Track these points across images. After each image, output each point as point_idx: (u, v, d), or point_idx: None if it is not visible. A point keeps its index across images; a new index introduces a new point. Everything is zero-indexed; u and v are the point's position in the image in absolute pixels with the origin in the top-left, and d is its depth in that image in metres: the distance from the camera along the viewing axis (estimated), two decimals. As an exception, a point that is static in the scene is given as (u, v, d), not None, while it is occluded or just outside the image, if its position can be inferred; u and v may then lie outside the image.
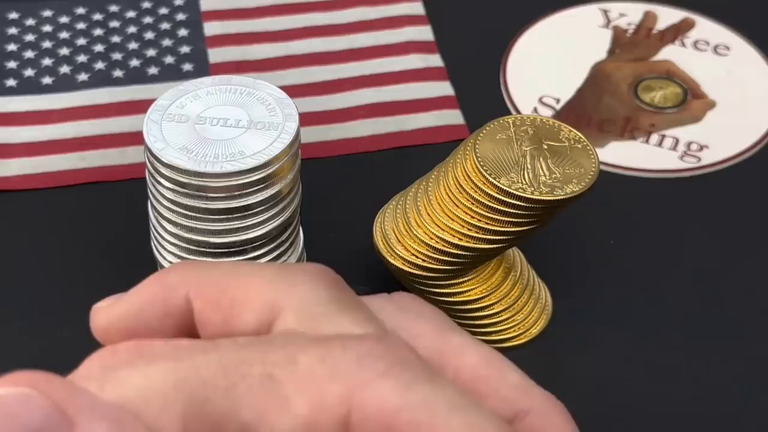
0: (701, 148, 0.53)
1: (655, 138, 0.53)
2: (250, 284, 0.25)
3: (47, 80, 0.55)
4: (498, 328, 0.44)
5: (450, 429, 0.22)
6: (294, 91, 0.49)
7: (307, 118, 0.53)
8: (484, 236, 0.41)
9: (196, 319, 0.26)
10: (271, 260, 0.42)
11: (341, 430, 0.22)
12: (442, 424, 0.22)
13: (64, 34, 0.58)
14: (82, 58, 0.56)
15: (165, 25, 0.58)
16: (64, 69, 0.56)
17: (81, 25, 0.58)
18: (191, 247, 0.41)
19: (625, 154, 0.52)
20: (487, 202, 0.40)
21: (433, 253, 0.42)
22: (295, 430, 0.22)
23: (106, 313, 0.27)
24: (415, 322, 0.26)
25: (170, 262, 0.42)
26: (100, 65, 0.56)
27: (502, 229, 0.40)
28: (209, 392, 0.22)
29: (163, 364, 0.23)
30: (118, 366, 0.23)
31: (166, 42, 0.57)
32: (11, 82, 0.55)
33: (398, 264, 0.43)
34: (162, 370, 0.23)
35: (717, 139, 0.53)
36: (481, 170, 0.40)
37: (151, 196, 0.41)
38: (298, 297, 0.24)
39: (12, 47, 0.57)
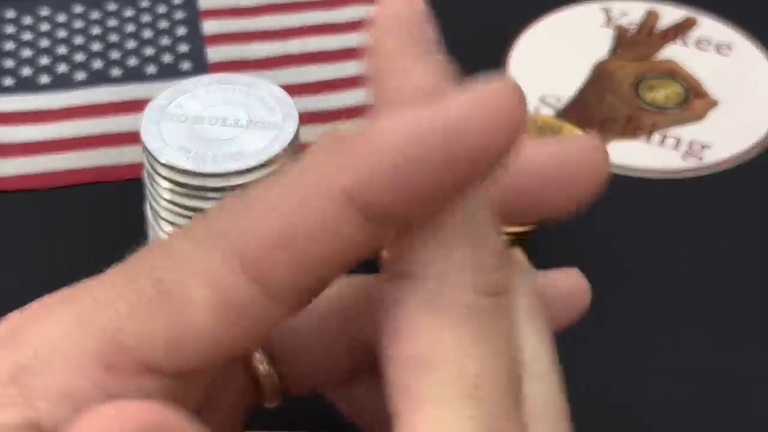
0: (703, 147, 0.53)
1: (656, 137, 0.53)
2: None
3: (45, 79, 0.55)
4: (499, 329, 0.44)
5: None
6: (293, 90, 0.49)
7: (306, 118, 0.53)
8: (485, 237, 0.40)
9: None
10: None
11: (254, 286, 0.22)
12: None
13: (61, 33, 0.57)
14: (79, 56, 0.56)
15: (163, 24, 0.58)
16: (62, 68, 0.55)
17: (79, 24, 0.58)
18: (190, 247, 0.41)
19: (627, 154, 0.52)
20: (489, 203, 0.40)
21: (434, 253, 0.41)
22: (213, 315, 0.22)
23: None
24: None
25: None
26: (98, 64, 0.56)
27: (502, 229, 0.40)
28: (115, 321, 0.22)
29: (64, 309, 0.23)
30: (25, 323, 0.24)
31: (165, 41, 0.57)
32: (8, 81, 0.55)
33: (398, 264, 0.42)
34: (64, 316, 0.23)
35: (719, 139, 0.53)
36: (483, 170, 0.40)
37: (149, 195, 0.41)
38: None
39: (9, 46, 0.57)
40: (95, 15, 0.59)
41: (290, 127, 0.40)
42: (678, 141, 0.53)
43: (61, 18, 0.58)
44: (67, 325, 0.23)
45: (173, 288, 0.22)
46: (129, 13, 0.59)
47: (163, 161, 0.39)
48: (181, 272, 0.22)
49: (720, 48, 0.58)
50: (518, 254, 0.45)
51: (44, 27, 0.58)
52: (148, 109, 0.40)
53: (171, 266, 0.22)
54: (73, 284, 0.46)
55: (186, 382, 0.23)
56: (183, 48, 0.57)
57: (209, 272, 0.22)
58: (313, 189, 0.22)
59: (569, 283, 0.29)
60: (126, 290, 0.23)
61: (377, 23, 0.24)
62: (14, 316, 0.25)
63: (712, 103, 0.55)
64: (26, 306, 0.25)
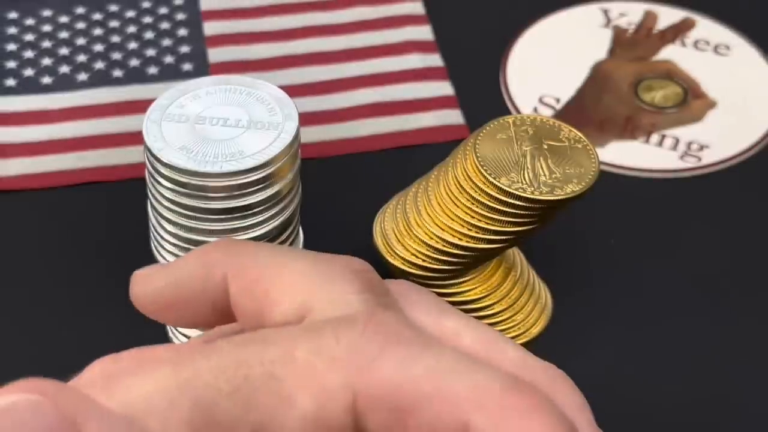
0: (702, 147, 0.53)
1: (655, 138, 0.53)
2: (284, 278, 0.25)
3: (47, 80, 0.55)
4: (498, 328, 0.44)
5: (456, 394, 0.22)
6: (294, 90, 0.50)
7: (306, 118, 0.53)
8: (484, 236, 0.41)
9: (231, 302, 0.26)
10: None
11: (350, 418, 0.23)
12: (447, 390, 0.22)
13: (63, 34, 0.58)
14: (81, 57, 0.56)
15: (165, 25, 0.58)
16: (64, 69, 0.56)
17: (81, 25, 0.58)
18: (191, 247, 0.41)
19: (626, 154, 0.52)
20: (487, 202, 0.40)
21: (433, 253, 0.42)
22: (305, 425, 0.23)
23: (145, 281, 0.28)
24: (410, 309, 0.26)
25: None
26: (99, 65, 0.56)
27: (502, 228, 0.40)
28: (214, 396, 0.23)
29: (166, 369, 0.23)
30: (121, 373, 0.23)
31: (166, 42, 0.57)
32: (11, 82, 0.55)
33: (398, 264, 0.43)
34: (165, 375, 0.23)
35: (717, 139, 0.53)
36: (482, 170, 0.40)
37: (150, 196, 0.41)
38: (329, 299, 0.25)
39: (12, 47, 0.57)
40: (97, 16, 0.59)
41: (290, 127, 0.40)
42: (676, 141, 0.53)
43: (63, 19, 0.58)
44: (167, 386, 0.23)
45: (282, 387, 0.23)
46: (131, 14, 0.59)
47: (164, 161, 0.39)
48: (297, 377, 0.23)
49: (718, 49, 0.58)
50: (517, 254, 0.46)
51: (46, 28, 0.58)
52: (150, 110, 0.41)
53: (288, 365, 0.23)
54: (72, 284, 0.46)
55: None
56: (184, 49, 0.57)
57: (324, 388, 0.23)
58: None
59: None
60: (234, 371, 0.23)
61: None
62: (107, 363, 0.25)
63: (711, 104, 0.55)
64: (121, 353, 0.25)
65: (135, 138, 0.52)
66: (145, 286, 0.27)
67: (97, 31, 0.58)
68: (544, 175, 0.40)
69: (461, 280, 0.43)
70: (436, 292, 0.43)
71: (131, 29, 0.58)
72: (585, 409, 0.27)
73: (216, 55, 0.57)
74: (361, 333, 0.23)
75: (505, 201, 0.39)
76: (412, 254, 0.42)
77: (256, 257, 0.26)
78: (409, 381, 0.22)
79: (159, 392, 0.23)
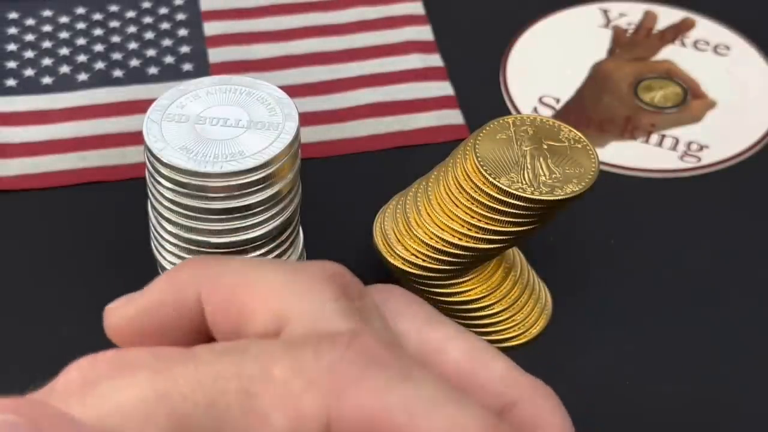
0: (701, 148, 0.53)
1: (655, 138, 0.53)
2: (258, 291, 0.25)
3: (47, 80, 0.55)
4: (498, 328, 0.44)
5: (431, 428, 0.22)
6: (294, 91, 0.49)
7: (306, 118, 0.53)
8: (484, 236, 0.41)
9: (208, 320, 0.26)
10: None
11: None
12: (423, 423, 0.22)
13: (64, 34, 0.58)
14: (82, 57, 0.56)
15: (165, 25, 0.58)
16: (64, 69, 0.56)
17: (81, 25, 0.58)
18: (191, 247, 0.41)
19: (625, 154, 0.52)
20: (487, 202, 0.40)
21: (433, 252, 0.42)
22: None
23: (119, 314, 0.27)
24: (394, 318, 0.26)
25: (170, 262, 0.42)
26: (100, 65, 0.56)
27: (502, 229, 0.40)
28: (190, 410, 0.22)
29: (143, 376, 0.23)
30: (98, 379, 0.23)
31: (166, 42, 0.57)
32: (11, 82, 0.55)
33: (398, 264, 0.43)
34: (142, 384, 0.23)
35: (717, 139, 0.53)
36: (481, 170, 0.40)
37: (150, 196, 0.41)
38: (305, 309, 0.24)
39: (12, 47, 0.57)
40: (97, 16, 0.59)
41: (291, 127, 0.40)
42: (676, 141, 0.53)
43: (64, 19, 0.58)
44: (144, 397, 0.23)
45: (257, 405, 0.22)
46: (131, 14, 0.59)
47: (164, 161, 0.39)
48: (273, 395, 0.22)
49: (718, 49, 0.58)
50: (517, 254, 0.46)
51: (46, 28, 0.58)
52: (150, 110, 0.41)
53: (265, 382, 0.23)
54: (72, 284, 0.46)
55: None
56: (185, 49, 0.57)
57: (299, 411, 0.22)
58: None
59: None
60: (211, 384, 0.23)
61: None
62: (85, 367, 0.24)
63: (710, 104, 0.55)
64: (98, 354, 0.24)
65: (135, 138, 0.52)
66: (117, 318, 0.27)
67: (98, 32, 0.58)
68: (544, 175, 0.40)
69: (461, 280, 0.43)
70: (436, 292, 0.43)
71: (131, 29, 0.58)
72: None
73: (216, 55, 0.57)
74: (342, 355, 0.23)
75: (505, 201, 0.39)
76: (412, 254, 0.42)
77: (227, 273, 0.26)
78: (384, 410, 0.22)
79: (135, 404, 0.22)
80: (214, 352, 0.23)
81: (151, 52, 0.57)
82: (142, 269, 0.45)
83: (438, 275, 0.42)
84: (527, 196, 0.39)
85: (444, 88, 0.55)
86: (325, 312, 0.24)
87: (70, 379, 0.24)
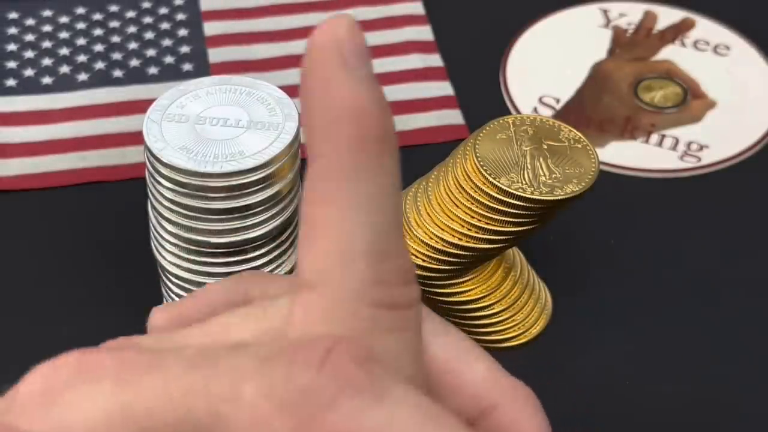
0: (701, 147, 0.53)
1: (655, 138, 0.53)
2: (332, 236, 0.23)
3: (47, 80, 0.55)
4: (498, 328, 0.44)
5: None
6: (294, 91, 0.49)
7: (307, 118, 0.53)
8: (484, 236, 0.41)
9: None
10: (271, 260, 0.42)
11: None
12: None
13: (64, 34, 0.58)
14: (82, 57, 0.56)
15: (165, 25, 0.58)
16: (64, 69, 0.56)
17: (81, 25, 0.58)
18: (191, 247, 0.41)
19: (625, 154, 0.52)
20: (487, 202, 0.40)
21: (433, 252, 0.42)
22: None
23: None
24: None
25: (170, 262, 0.42)
26: (100, 65, 0.56)
27: (502, 228, 0.40)
28: (158, 426, 0.22)
29: (107, 386, 0.22)
30: (61, 389, 0.22)
31: (166, 42, 0.57)
32: (11, 82, 0.55)
33: (398, 264, 0.42)
34: (106, 395, 0.22)
35: (717, 139, 0.53)
36: (481, 170, 0.40)
37: (150, 196, 0.41)
38: (340, 288, 0.23)
39: (12, 47, 0.57)
40: (97, 16, 0.59)
41: (290, 127, 0.40)
42: (676, 141, 0.53)
43: (64, 19, 0.58)
44: (111, 414, 0.22)
45: (225, 428, 0.22)
46: (131, 14, 0.59)
47: (164, 161, 0.39)
48: (243, 419, 0.22)
49: (718, 49, 0.58)
50: (517, 254, 0.46)
51: (46, 28, 0.58)
52: (150, 110, 0.41)
53: (234, 403, 0.22)
54: (72, 284, 0.46)
55: None
56: (185, 49, 0.57)
57: (261, 429, 0.22)
58: None
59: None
60: (179, 399, 0.22)
61: (315, 43, 0.25)
62: (48, 373, 0.23)
63: (710, 104, 0.55)
64: (61, 360, 0.23)
65: (135, 138, 0.52)
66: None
67: (98, 32, 0.58)
68: (544, 175, 0.40)
69: (461, 280, 0.43)
70: (436, 292, 0.43)
71: (131, 29, 0.58)
72: None
73: (216, 55, 0.57)
74: (315, 376, 0.22)
75: (505, 201, 0.39)
76: (412, 254, 0.42)
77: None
78: None
79: (99, 418, 0.22)
80: (183, 363, 0.22)
81: (151, 52, 0.57)
82: (142, 269, 0.45)
83: (438, 275, 0.42)
84: (527, 196, 0.39)
85: (444, 88, 0.55)
86: (352, 300, 0.23)
87: (32, 389, 0.23)
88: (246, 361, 0.22)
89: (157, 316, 0.27)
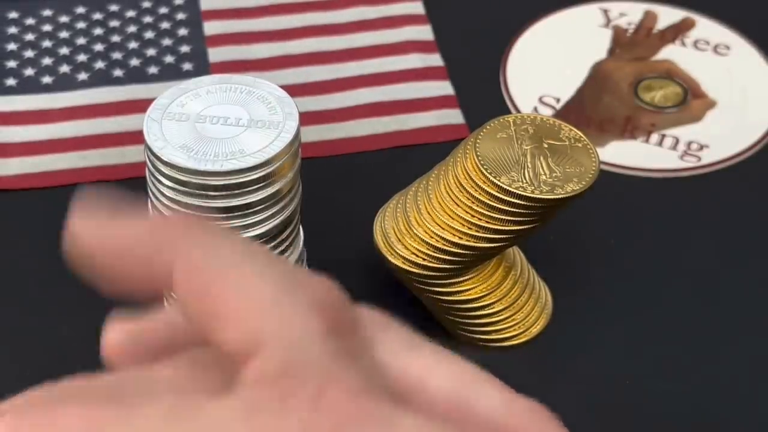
0: (701, 147, 0.53)
1: (655, 137, 0.53)
2: (239, 300, 0.22)
3: (47, 79, 0.55)
4: (498, 328, 0.44)
5: None
6: (294, 90, 0.49)
7: (307, 118, 0.53)
8: (485, 235, 0.41)
9: (175, 290, 0.23)
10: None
11: None
12: None
13: (63, 34, 0.58)
14: (82, 57, 0.56)
15: (165, 25, 0.58)
16: (64, 68, 0.56)
17: (81, 25, 0.58)
18: (191, 246, 0.41)
19: (625, 154, 0.52)
20: (488, 201, 0.40)
21: (434, 251, 0.42)
22: None
23: (89, 225, 0.27)
24: (374, 346, 0.23)
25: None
26: (100, 64, 0.56)
27: (503, 227, 0.40)
28: None
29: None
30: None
31: (166, 41, 0.57)
32: (11, 82, 0.55)
33: (398, 263, 0.43)
34: None
35: (717, 139, 0.53)
36: (482, 169, 0.40)
37: (151, 194, 0.41)
38: (285, 338, 0.22)
39: (12, 46, 0.57)
40: (97, 16, 0.59)
41: (291, 126, 0.40)
42: (676, 141, 0.53)
43: (64, 19, 0.58)
44: None
45: None
46: (131, 13, 0.59)
47: (165, 160, 0.39)
48: None
49: (718, 49, 0.58)
50: (517, 253, 0.46)
51: (46, 28, 0.58)
52: (151, 109, 0.41)
53: None
54: (72, 284, 0.46)
55: None
56: (185, 48, 0.57)
57: None
58: None
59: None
60: None
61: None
62: (12, 423, 0.22)
63: (710, 104, 0.55)
64: (23, 407, 0.22)
65: (135, 137, 0.52)
66: (88, 229, 0.27)
67: (98, 31, 0.58)
68: (545, 174, 0.40)
69: (461, 279, 0.43)
70: (436, 291, 0.43)
71: (131, 29, 0.58)
72: None
73: (216, 54, 0.57)
74: (313, 409, 0.20)
75: (506, 200, 0.39)
76: (413, 253, 0.42)
77: (213, 255, 0.23)
78: None
79: None
80: (159, 414, 0.21)
81: (151, 52, 0.57)
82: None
83: (438, 274, 0.42)
84: (528, 194, 0.39)
85: (444, 88, 0.55)
86: (304, 348, 0.21)
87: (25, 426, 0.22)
88: (232, 413, 0.21)
89: (111, 336, 0.27)
